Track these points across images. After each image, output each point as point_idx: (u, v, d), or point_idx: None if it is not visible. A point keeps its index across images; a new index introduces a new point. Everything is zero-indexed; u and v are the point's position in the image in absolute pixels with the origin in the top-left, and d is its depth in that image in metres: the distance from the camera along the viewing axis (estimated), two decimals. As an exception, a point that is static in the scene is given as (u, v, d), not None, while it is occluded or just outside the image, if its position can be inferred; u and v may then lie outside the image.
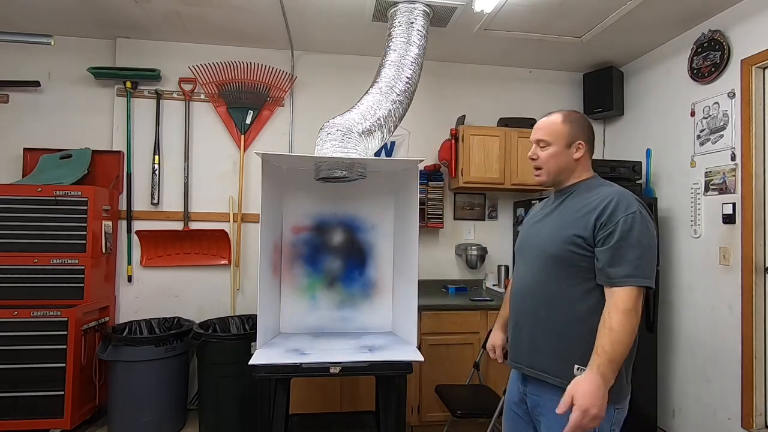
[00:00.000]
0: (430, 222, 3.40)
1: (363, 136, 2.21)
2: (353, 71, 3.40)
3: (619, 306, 1.28)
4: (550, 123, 1.50)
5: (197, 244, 3.26)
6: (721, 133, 2.69)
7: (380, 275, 2.39)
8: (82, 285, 2.76)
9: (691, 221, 2.86)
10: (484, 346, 2.75)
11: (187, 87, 3.28)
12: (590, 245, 1.36)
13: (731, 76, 2.64)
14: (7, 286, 2.69)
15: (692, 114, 2.89)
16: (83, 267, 2.76)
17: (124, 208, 3.19)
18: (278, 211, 2.30)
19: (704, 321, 2.77)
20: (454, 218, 3.57)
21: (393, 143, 3.48)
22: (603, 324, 1.29)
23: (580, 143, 1.48)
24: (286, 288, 2.33)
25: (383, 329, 2.37)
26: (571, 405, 1.24)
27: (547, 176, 1.51)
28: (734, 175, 2.59)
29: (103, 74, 3.17)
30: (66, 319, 2.62)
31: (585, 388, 1.24)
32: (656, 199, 3.04)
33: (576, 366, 1.35)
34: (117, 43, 3.23)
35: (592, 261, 1.36)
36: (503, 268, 3.35)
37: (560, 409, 1.26)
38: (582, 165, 1.50)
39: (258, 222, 2.13)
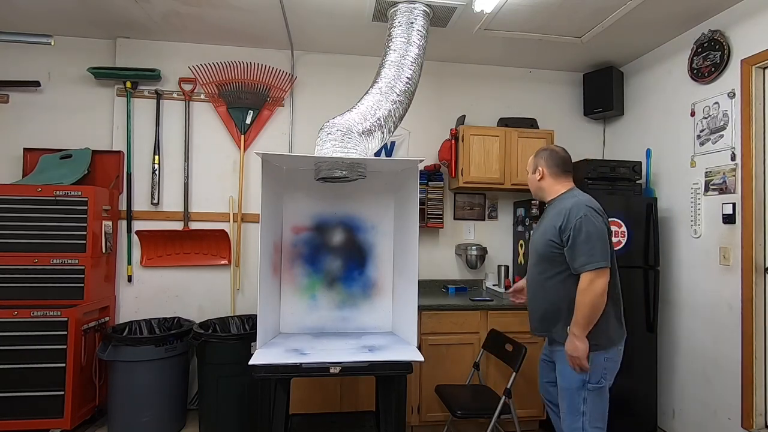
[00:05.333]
0: (430, 222, 3.40)
1: (363, 136, 2.20)
2: (353, 71, 3.40)
3: (579, 287, 1.84)
4: (530, 158, 2.13)
5: (197, 244, 3.26)
6: (721, 133, 2.69)
7: (380, 275, 2.39)
8: (82, 285, 2.76)
9: (691, 221, 2.86)
10: (484, 346, 2.76)
11: (187, 87, 3.28)
12: (560, 245, 1.90)
13: (731, 76, 2.64)
14: (7, 286, 2.69)
15: (692, 114, 2.89)
16: (83, 267, 2.76)
17: (124, 208, 3.19)
18: (278, 211, 2.30)
19: (704, 321, 2.77)
20: (454, 218, 3.57)
21: (393, 143, 3.48)
22: (575, 300, 1.84)
23: (539, 169, 2.06)
24: (286, 288, 2.33)
25: (383, 329, 2.37)
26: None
27: (532, 194, 2.16)
28: (734, 175, 2.59)
29: (103, 74, 3.17)
30: (66, 319, 2.62)
31: (567, 343, 1.88)
32: (656, 199, 3.03)
33: (568, 327, 1.90)
34: (117, 43, 3.23)
35: (563, 257, 1.89)
36: (503, 268, 3.35)
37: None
38: (549, 184, 2.04)
39: (258, 222, 2.13)
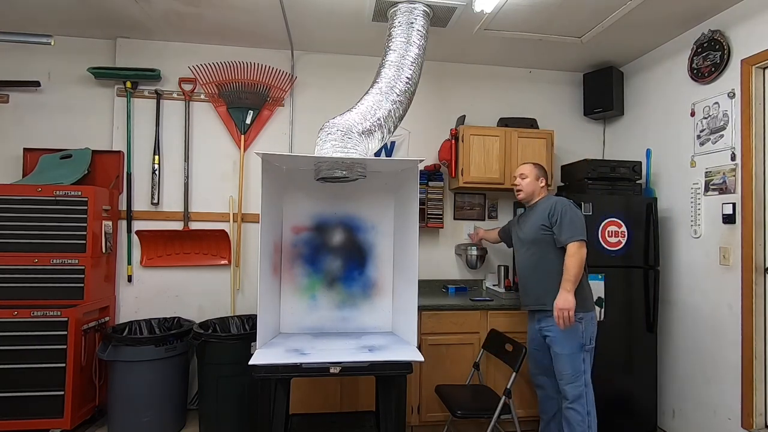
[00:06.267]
0: (430, 222, 3.39)
1: (363, 136, 2.20)
2: (353, 71, 3.40)
3: (567, 254, 2.33)
4: (526, 166, 2.60)
5: (197, 244, 3.26)
6: (721, 133, 2.69)
7: (380, 275, 2.39)
8: (82, 285, 2.76)
9: (691, 221, 2.86)
10: (484, 346, 2.76)
11: (187, 87, 3.28)
12: (549, 227, 2.41)
13: (731, 76, 2.64)
14: (7, 286, 2.69)
15: (692, 114, 2.89)
16: (83, 267, 2.76)
17: (124, 208, 3.19)
18: (278, 211, 2.30)
19: (704, 321, 2.77)
20: (454, 218, 3.57)
21: (393, 143, 3.48)
22: (564, 265, 2.33)
23: (541, 179, 2.58)
24: (286, 288, 2.33)
25: (383, 329, 2.37)
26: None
27: (524, 194, 2.58)
28: (734, 175, 2.59)
29: (103, 74, 3.17)
30: (66, 319, 2.62)
31: (557, 299, 2.31)
32: (656, 199, 3.03)
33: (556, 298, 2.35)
34: (117, 43, 3.23)
35: (552, 238, 2.40)
36: (503, 268, 3.35)
37: (557, 320, 2.30)
38: (542, 191, 2.57)
39: (258, 222, 2.13)
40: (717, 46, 2.71)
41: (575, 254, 2.31)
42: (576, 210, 2.42)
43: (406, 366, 1.95)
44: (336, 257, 2.38)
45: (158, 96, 3.24)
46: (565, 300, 2.27)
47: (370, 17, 2.81)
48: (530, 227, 2.50)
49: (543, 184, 2.57)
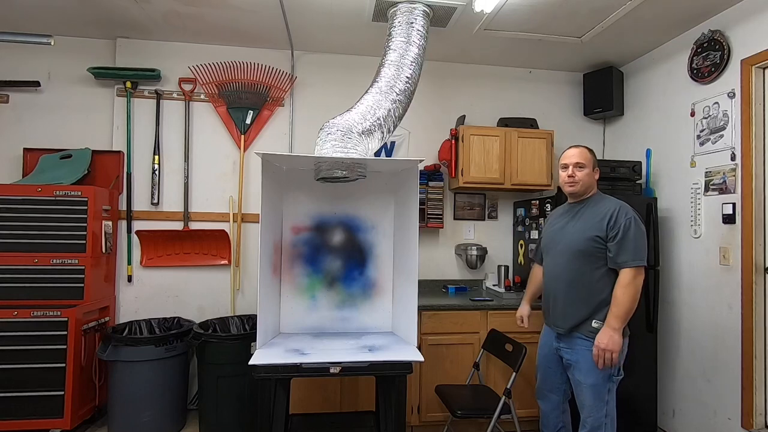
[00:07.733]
0: (430, 222, 3.40)
1: (363, 136, 2.20)
2: (353, 71, 3.40)
3: (620, 282, 1.95)
4: (582, 152, 2.12)
5: (197, 244, 3.26)
6: (721, 133, 2.69)
7: (380, 275, 2.39)
8: (82, 285, 2.76)
9: (691, 221, 2.86)
10: (484, 346, 2.76)
11: (187, 87, 3.28)
12: (604, 240, 2.00)
13: (731, 76, 2.64)
14: (7, 286, 2.69)
15: (692, 114, 2.89)
16: (83, 267, 2.76)
17: (124, 208, 3.19)
18: (278, 211, 2.30)
19: (704, 321, 2.77)
20: (454, 218, 3.57)
21: (393, 143, 3.48)
22: (613, 295, 1.95)
23: (597, 169, 2.14)
24: (286, 288, 2.33)
25: (383, 329, 2.37)
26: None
27: (580, 187, 2.10)
28: (734, 175, 2.59)
29: (103, 74, 3.17)
30: (66, 319, 2.62)
31: (601, 336, 1.94)
32: (656, 199, 3.03)
33: (593, 320, 2.00)
34: (117, 43, 3.23)
35: (605, 251, 2.00)
36: (503, 268, 3.35)
37: (596, 359, 1.94)
38: (596, 183, 2.14)
39: (258, 222, 2.14)
40: (717, 46, 2.71)
41: (630, 284, 1.91)
42: (641, 224, 1.98)
43: (406, 366, 1.95)
44: (336, 257, 2.38)
45: (158, 96, 3.24)
46: (610, 339, 1.89)
47: (370, 17, 2.81)
48: (578, 234, 2.06)
49: (597, 175, 2.13)
